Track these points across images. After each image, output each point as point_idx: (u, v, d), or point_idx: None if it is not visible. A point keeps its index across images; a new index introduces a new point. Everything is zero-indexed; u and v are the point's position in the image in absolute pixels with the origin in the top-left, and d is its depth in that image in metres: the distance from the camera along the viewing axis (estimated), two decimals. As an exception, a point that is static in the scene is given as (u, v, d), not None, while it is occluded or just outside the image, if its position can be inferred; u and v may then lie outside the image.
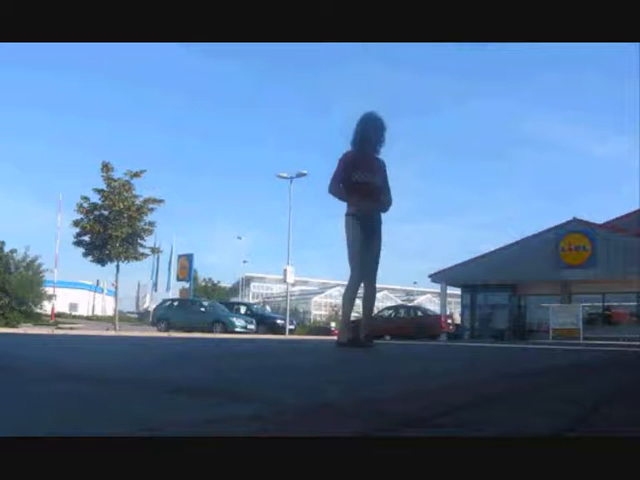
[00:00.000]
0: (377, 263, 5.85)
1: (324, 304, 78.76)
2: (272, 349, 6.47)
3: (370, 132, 5.85)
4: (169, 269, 40.46)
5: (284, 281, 33.76)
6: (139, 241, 24.00)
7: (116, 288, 26.66)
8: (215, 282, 56.89)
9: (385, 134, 5.92)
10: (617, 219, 32.19)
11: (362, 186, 5.69)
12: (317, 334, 36.33)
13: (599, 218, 32.09)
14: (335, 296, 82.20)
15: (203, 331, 21.64)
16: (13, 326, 22.94)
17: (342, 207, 5.83)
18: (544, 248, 29.30)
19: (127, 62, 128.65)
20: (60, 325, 28.56)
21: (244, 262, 70.03)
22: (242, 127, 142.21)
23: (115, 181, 23.45)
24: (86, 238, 23.51)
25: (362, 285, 5.81)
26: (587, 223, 29.54)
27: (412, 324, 25.98)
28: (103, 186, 23.44)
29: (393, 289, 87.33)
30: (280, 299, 59.84)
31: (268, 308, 40.74)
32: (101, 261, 23.69)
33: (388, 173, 6.00)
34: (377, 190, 5.79)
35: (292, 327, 30.51)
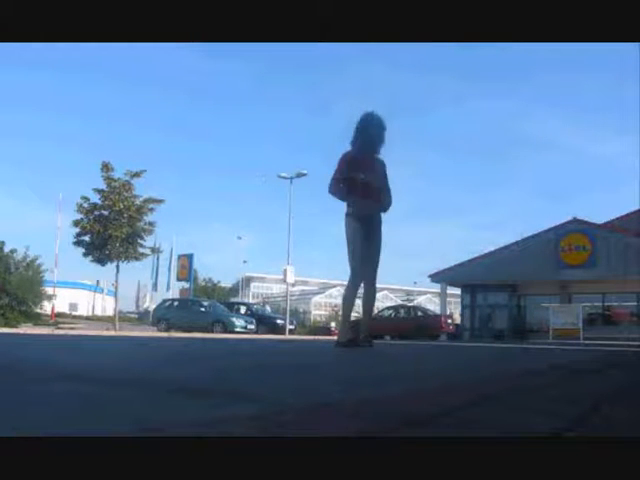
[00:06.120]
0: (377, 263, 5.86)
1: (324, 304, 78.74)
2: (272, 349, 6.47)
3: (370, 132, 5.85)
4: (169, 269, 40.41)
5: (284, 281, 33.76)
6: (139, 241, 23.99)
7: (116, 288, 26.65)
8: (215, 282, 56.89)
9: (385, 133, 5.92)
10: (617, 219, 32.16)
11: (362, 186, 5.69)
12: (317, 334, 36.35)
13: (599, 218, 32.07)
14: (335, 296, 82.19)
15: (203, 331, 21.63)
16: (13, 326, 22.92)
17: (342, 207, 5.85)
18: (544, 248, 29.30)
19: (127, 62, 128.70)
20: (60, 325, 28.57)
21: (244, 262, 70.13)
22: (242, 127, 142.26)
23: (115, 181, 23.43)
24: (86, 238, 23.49)
25: (362, 285, 5.81)
26: (587, 223, 29.53)
27: (412, 324, 25.97)
28: (103, 186, 23.44)
29: (393, 289, 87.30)
30: (280, 299, 59.83)
31: (268, 308, 40.71)
32: (101, 261, 23.67)
33: (388, 173, 6.01)
34: (377, 190, 5.80)
35: (292, 327, 30.53)
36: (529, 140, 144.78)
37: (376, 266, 5.86)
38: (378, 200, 5.80)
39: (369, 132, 5.84)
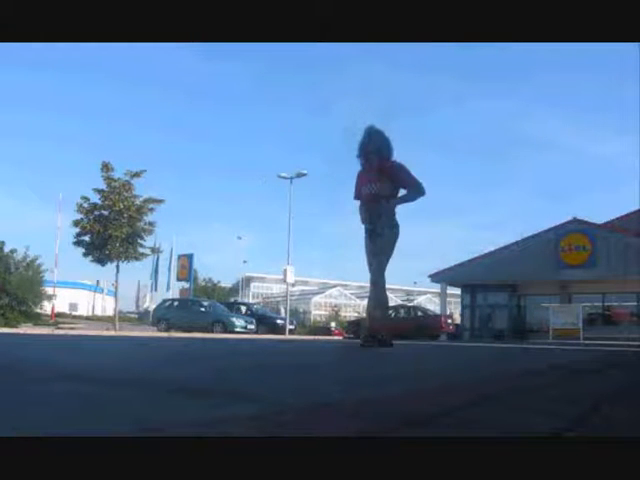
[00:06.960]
0: (375, 265, 5.98)
1: (324, 304, 78.74)
2: (272, 349, 6.47)
3: (364, 145, 6.10)
4: (169, 269, 40.38)
5: (284, 281, 33.76)
6: (139, 241, 23.98)
7: (116, 288, 26.64)
8: (215, 282, 56.91)
9: (368, 139, 6.11)
10: (617, 219, 32.16)
11: (364, 198, 6.09)
12: (317, 334, 36.34)
13: (599, 218, 32.05)
14: (335, 296, 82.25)
15: (203, 331, 21.61)
16: (13, 326, 22.91)
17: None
18: (544, 248, 29.30)
19: (127, 62, 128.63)
20: (60, 325, 28.56)
21: (244, 262, 70.18)
22: (242, 127, 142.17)
23: (115, 181, 23.41)
24: (86, 238, 23.47)
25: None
26: (587, 223, 29.53)
27: (412, 324, 25.93)
28: (103, 186, 23.42)
29: (393, 289, 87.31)
30: (280, 299, 59.84)
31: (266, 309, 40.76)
32: (101, 261, 23.65)
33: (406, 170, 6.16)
34: (376, 197, 5.99)
35: (292, 327, 30.54)
36: (529, 140, 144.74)
37: (374, 268, 6.01)
38: (373, 206, 6.00)
39: (364, 145, 6.10)
